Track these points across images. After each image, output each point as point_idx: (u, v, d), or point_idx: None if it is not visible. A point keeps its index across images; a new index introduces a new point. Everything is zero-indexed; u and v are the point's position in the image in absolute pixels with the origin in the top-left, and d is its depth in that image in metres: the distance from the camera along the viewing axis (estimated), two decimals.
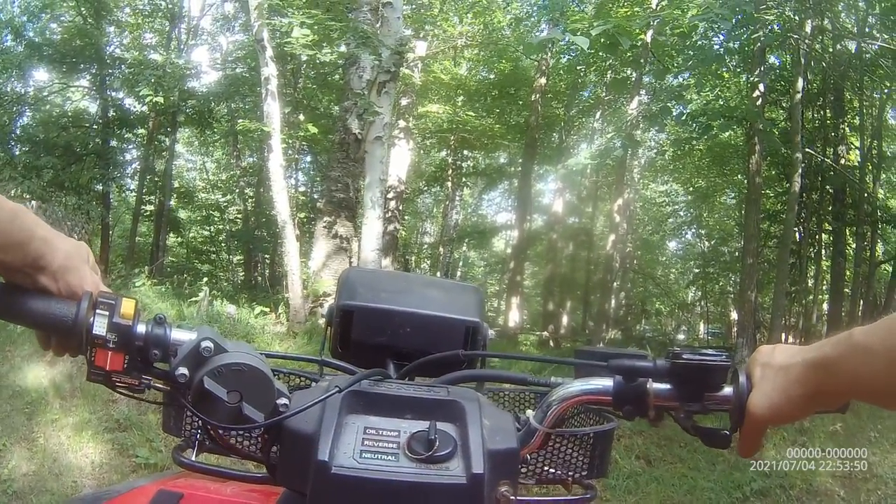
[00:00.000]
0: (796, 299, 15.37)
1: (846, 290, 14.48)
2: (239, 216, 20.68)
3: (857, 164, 14.48)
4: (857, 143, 14.60)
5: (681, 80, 14.60)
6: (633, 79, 14.95)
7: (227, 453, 1.12)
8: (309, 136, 14.42)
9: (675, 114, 12.18)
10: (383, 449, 0.94)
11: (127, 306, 0.96)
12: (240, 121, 15.14)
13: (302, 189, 19.78)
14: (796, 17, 12.18)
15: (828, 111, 14.78)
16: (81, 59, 16.35)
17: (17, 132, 16.68)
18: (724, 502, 6.51)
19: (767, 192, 15.90)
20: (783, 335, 13.83)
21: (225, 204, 21.10)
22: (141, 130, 17.62)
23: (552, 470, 1.16)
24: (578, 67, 18.29)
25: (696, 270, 25.03)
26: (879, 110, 14.36)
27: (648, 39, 12.21)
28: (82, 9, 16.53)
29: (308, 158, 19.44)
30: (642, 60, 13.18)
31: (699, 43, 12.93)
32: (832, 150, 14.37)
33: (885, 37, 12.50)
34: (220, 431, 1.03)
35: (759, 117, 12.20)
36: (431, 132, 20.53)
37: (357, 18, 10.60)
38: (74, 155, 15.67)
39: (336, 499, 0.91)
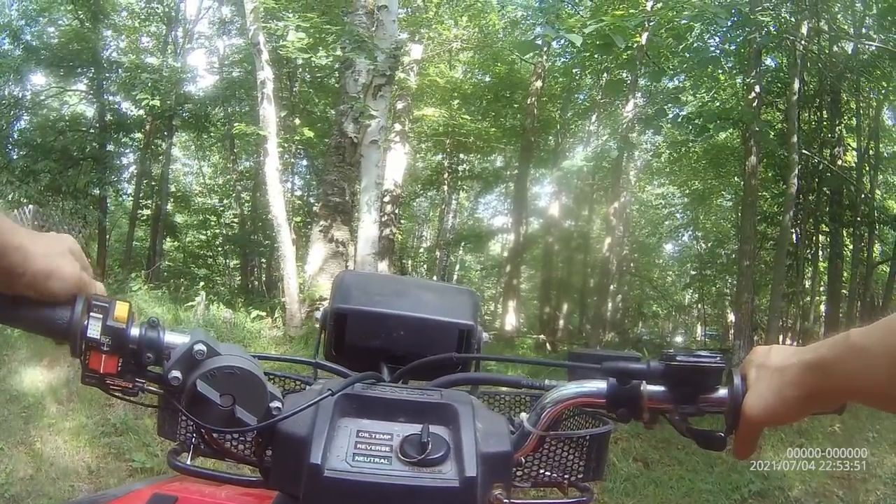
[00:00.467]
0: (793, 301, 15.38)
1: (843, 291, 14.49)
2: (235, 220, 20.66)
3: (853, 165, 14.51)
4: (854, 145, 14.62)
5: (676, 82, 14.62)
6: (629, 81, 14.95)
7: (221, 457, 1.12)
8: (305, 140, 14.42)
9: (670, 116, 12.21)
10: (376, 452, 0.94)
11: (121, 309, 0.96)
12: (236, 125, 15.14)
13: (298, 193, 19.79)
14: (792, 19, 12.21)
15: (824, 112, 14.81)
16: (78, 63, 16.40)
17: (15, 136, 16.75)
18: None
19: (764, 193, 15.91)
20: (780, 337, 13.83)
21: (221, 208, 21.10)
22: (138, 135, 17.66)
23: (548, 473, 1.16)
24: (574, 70, 18.31)
25: (693, 273, 25.05)
26: (876, 111, 14.38)
27: (643, 41, 12.22)
28: (80, 12, 16.56)
29: (304, 162, 19.45)
30: (638, 63, 13.20)
31: (695, 45, 12.96)
32: (829, 151, 14.38)
33: (882, 37, 12.54)
34: (214, 435, 1.03)
35: (756, 119, 12.22)
36: (427, 136, 20.56)
37: (353, 22, 10.61)
38: (72, 159, 15.71)
39: (329, 502, 0.90)
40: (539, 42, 10.95)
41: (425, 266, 27.77)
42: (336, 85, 13.48)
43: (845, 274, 14.53)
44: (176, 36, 18.83)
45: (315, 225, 11.45)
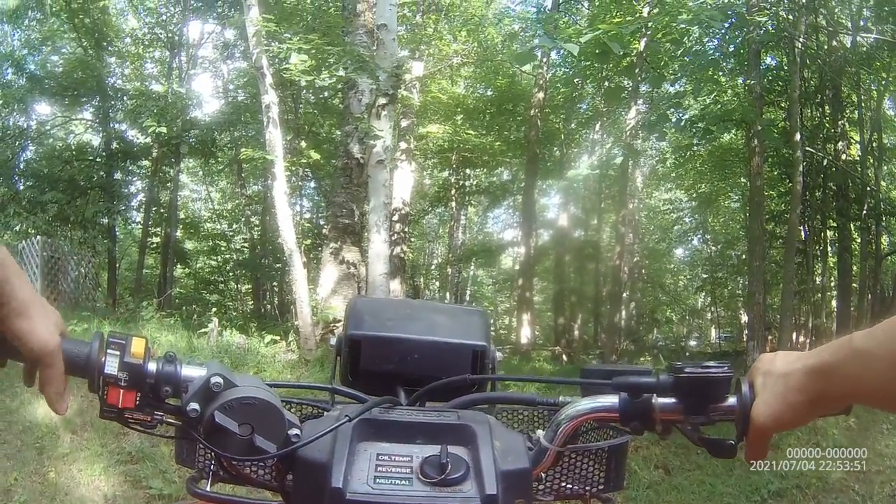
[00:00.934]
0: (805, 298, 15.31)
1: (854, 285, 14.42)
2: (245, 245, 20.70)
3: (857, 158, 14.47)
4: (857, 138, 14.59)
5: (678, 87, 14.62)
6: (629, 88, 14.96)
7: (242, 483, 1.14)
8: (312, 162, 14.45)
9: (673, 121, 12.20)
10: (397, 474, 0.96)
11: (137, 345, 0.98)
12: (243, 150, 15.18)
13: (307, 215, 19.79)
14: (790, 17, 12.21)
15: (826, 108, 14.78)
16: (83, 92, 16.46)
17: (21, 167, 16.76)
18: None
19: (771, 192, 15.89)
20: (794, 335, 13.77)
21: (231, 233, 21.10)
22: (145, 162, 17.69)
23: (569, 485, 1.18)
24: (575, 80, 18.34)
25: (705, 276, 24.97)
26: (878, 102, 14.34)
27: (642, 47, 12.24)
28: (83, 40, 16.64)
29: (312, 184, 19.49)
30: (637, 70, 13.22)
31: (694, 48, 12.97)
32: (833, 146, 14.34)
33: (881, 28, 12.53)
34: (234, 462, 1.05)
35: (758, 118, 12.21)
36: (433, 152, 20.58)
37: (353, 42, 10.66)
38: (79, 188, 15.72)
39: None
40: (537, 53, 10.98)
41: (437, 283, 27.78)
42: (340, 106, 13.53)
43: (855, 268, 14.46)
44: (180, 61, 18.94)
45: (325, 247, 11.47)
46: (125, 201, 17.64)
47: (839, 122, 14.40)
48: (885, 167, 15.08)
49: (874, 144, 14.18)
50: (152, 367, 0.99)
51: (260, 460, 1.02)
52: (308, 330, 9.98)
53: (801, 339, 14.63)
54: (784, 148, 13.61)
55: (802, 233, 14.55)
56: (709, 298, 26.61)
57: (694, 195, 22.37)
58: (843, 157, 14.12)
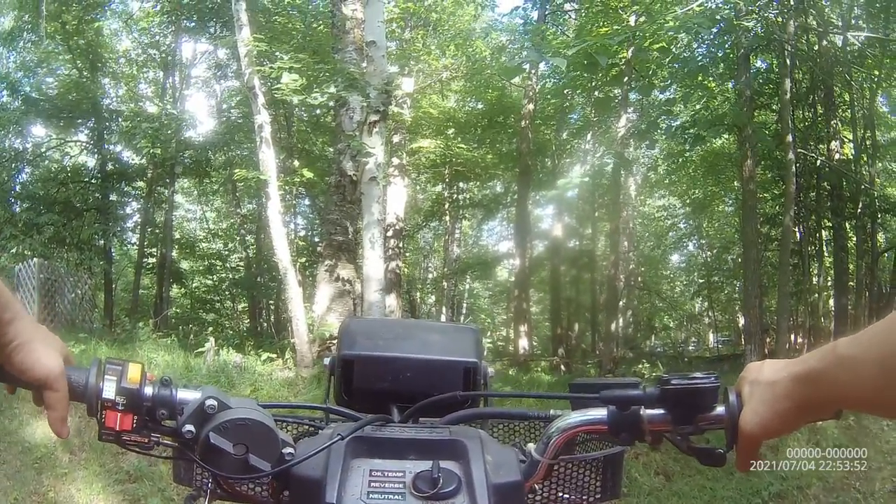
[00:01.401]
0: (801, 299, 15.33)
1: (851, 283, 14.41)
2: (241, 264, 20.65)
3: (851, 157, 14.49)
4: (850, 137, 14.61)
5: (668, 95, 14.66)
6: (619, 97, 14.99)
7: (238, 500, 1.16)
8: (305, 181, 14.46)
9: (664, 127, 12.22)
10: (390, 489, 0.98)
11: (133, 371, 1.01)
12: (237, 170, 15.17)
13: (302, 233, 19.79)
14: (779, 20, 12.25)
15: (818, 108, 14.81)
16: (78, 113, 16.45)
17: (17, 189, 16.73)
18: None
19: (765, 195, 15.92)
20: (791, 336, 13.79)
21: (226, 252, 21.07)
22: (140, 183, 17.67)
23: (566, 496, 1.20)
24: (565, 91, 18.39)
25: (701, 281, 25.04)
26: (870, 100, 14.36)
27: (629, 56, 12.27)
28: (78, 62, 16.67)
29: (306, 202, 19.50)
30: (625, 78, 13.24)
31: (682, 55, 13.01)
32: (825, 146, 14.36)
33: (872, 26, 12.58)
34: (230, 480, 1.07)
35: (749, 121, 12.24)
36: (425, 167, 20.59)
37: (343, 59, 10.69)
38: (75, 210, 15.70)
39: None
40: (525, 66, 10.99)
41: (433, 297, 27.74)
42: (332, 123, 13.55)
43: (851, 266, 14.46)
44: (174, 81, 19.00)
45: (320, 265, 11.47)
46: (121, 222, 17.61)
47: (832, 122, 14.42)
48: (879, 164, 15.09)
49: (868, 142, 14.20)
50: (149, 390, 1.01)
51: (254, 479, 1.05)
52: (304, 347, 9.97)
53: (799, 339, 14.66)
54: (776, 150, 13.64)
55: (797, 234, 14.58)
56: (706, 303, 26.66)
57: (688, 201, 22.41)
58: (837, 156, 14.13)
